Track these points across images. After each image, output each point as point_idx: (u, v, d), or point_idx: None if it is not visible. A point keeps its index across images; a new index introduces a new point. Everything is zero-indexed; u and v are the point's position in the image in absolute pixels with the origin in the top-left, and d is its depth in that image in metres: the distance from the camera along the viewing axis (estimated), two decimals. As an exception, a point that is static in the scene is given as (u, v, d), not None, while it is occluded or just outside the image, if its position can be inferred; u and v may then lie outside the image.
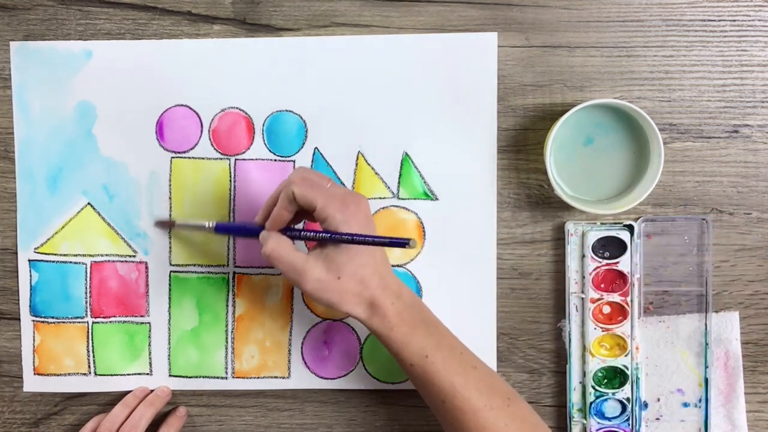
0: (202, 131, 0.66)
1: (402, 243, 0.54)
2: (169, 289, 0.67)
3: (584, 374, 0.65)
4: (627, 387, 0.64)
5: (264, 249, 0.57)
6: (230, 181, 0.66)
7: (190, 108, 0.66)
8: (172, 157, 0.66)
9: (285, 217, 0.57)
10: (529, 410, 0.57)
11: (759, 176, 0.65)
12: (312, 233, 0.57)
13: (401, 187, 0.66)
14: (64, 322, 0.67)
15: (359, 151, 0.66)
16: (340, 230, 0.55)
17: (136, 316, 0.67)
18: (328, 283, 0.56)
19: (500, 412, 0.55)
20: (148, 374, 0.67)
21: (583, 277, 0.64)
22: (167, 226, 0.66)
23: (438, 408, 0.57)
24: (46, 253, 0.67)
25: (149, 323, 0.67)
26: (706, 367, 0.65)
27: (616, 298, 0.64)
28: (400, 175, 0.66)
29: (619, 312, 0.64)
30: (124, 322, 0.67)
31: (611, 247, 0.64)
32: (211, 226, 0.63)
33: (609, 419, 0.65)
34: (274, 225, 0.57)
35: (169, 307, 0.67)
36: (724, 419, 0.66)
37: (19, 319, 0.67)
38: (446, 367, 0.56)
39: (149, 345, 0.67)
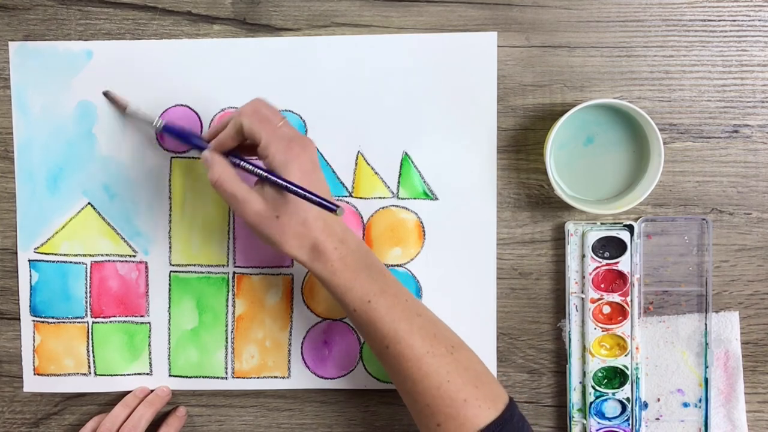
0: (202, 131, 0.66)
1: (330, 208, 0.54)
2: (169, 289, 0.67)
3: (584, 374, 0.65)
4: (627, 387, 0.64)
5: (210, 175, 0.57)
6: (230, 181, 0.66)
7: (190, 108, 0.66)
8: (172, 157, 0.66)
9: (229, 144, 0.58)
10: (473, 359, 0.58)
11: (759, 176, 0.65)
12: (251, 166, 0.57)
13: (401, 187, 0.66)
14: (64, 322, 0.67)
15: (359, 151, 0.66)
16: (279, 172, 0.55)
17: (136, 316, 0.67)
18: (268, 219, 0.56)
19: (443, 359, 0.55)
20: (148, 374, 0.67)
21: (583, 277, 0.64)
22: (118, 106, 0.65)
23: (382, 353, 0.57)
24: (46, 253, 0.67)
25: (149, 323, 0.67)
26: (706, 367, 0.65)
27: (616, 298, 0.64)
28: (400, 175, 0.66)
29: (619, 312, 0.64)
30: (124, 322, 0.67)
31: (611, 247, 0.64)
32: (159, 125, 0.63)
33: (609, 419, 0.65)
34: (218, 148, 0.58)
35: (169, 307, 0.67)
36: (724, 419, 0.66)
37: (19, 319, 0.67)
38: (390, 313, 0.56)
39: (149, 345, 0.67)
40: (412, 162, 0.66)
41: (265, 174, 0.56)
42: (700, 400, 0.65)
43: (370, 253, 0.59)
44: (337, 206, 0.54)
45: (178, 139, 0.63)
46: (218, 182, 0.56)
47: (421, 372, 0.55)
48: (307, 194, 0.54)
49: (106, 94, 0.65)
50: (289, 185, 0.55)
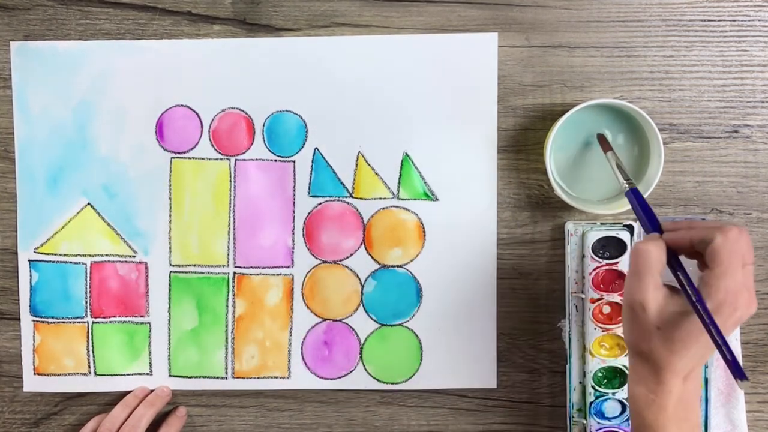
0: (202, 131, 0.66)
1: (740, 375, 0.47)
2: (169, 289, 0.67)
3: (584, 374, 0.65)
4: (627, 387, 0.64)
5: (641, 243, 0.51)
6: (230, 181, 0.66)
7: (190, 108, 0.66)
8: (172, 158, 0.66)
9: (682, 245, 0.51)
10: None
11: (759, 176, 0.66)
12: (681, 276, 0.50)
13: (401, 188, 0.66)
14: (64, 322, 0.67)
15: (359, 151, 0.66)
16: (708, 306, 0.48)
17: (136, 316, 0.67)
18: (645, 321, 0.50)
19: None
20: (148, 374, 0.67)
21: (583, 277, 0.64)
22: (606, 145, 0.62)
23: None
24: (46, 253, 0.67)
25: (149, 323, 0.67)
26: (706, 367, 0.65)
27: (616, 298, 0.64)
28: (400, 175, 0.66)
29: (619, 312, 0.64)
30: (124, 322, 0.67)
31: (611, 247, 0.64)
32: (625, 186, 0.57)
33: (609, 419, 0.65)
34: (669, 239, 0.52)
35: (169, 307, 0.67)
36: (724, 419, 0.66)
37: (19, 319, 0.67)
38: None
39: (149, 345, 0.67)
40: (412, 162, 0.66)
41: (695, 299, 0.48)
42: (700, 400, 0.65)
43: (697, 406, 0.53)
44: (744, 378, 0.47)
45: (637, 208, 0.56)
46: (644, 251, 0.50)
47: None
48: (725, 350, 0.47)
49: (599, 136, 0.63)
50: (712, 329, 0.48)
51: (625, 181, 0.58)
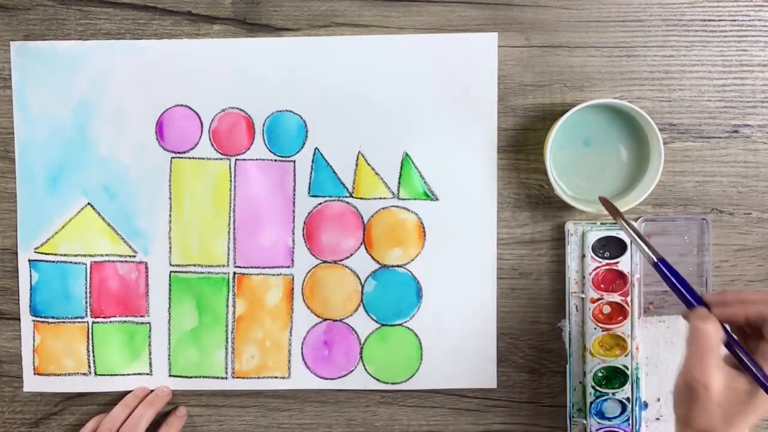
0: (202, 131, 0.66)
1: None
2: (169, 289, 0.67)
3: (584, 374, 0.65)
4: (627, 387, 0.64)
5: (697, 322, 0.51)
6: (230, 181, 0.66)
7: (190, 108, 0.66)
8: (172, 158, 0.66)
9: (735, 321, 0.51)
10: None
11: (759, 176, 0.66)
12: (743, 355, 0.50)
13: (401, 188, 0.66)
14: (64, 322, 0.67)
15: (359, 151, 0.66)
16: (767, 371, 0.49)
17: (136, 316, 0.67)
18: (703, 404, 0.50)
19: None
20: (148, 374, 0.67)
21: (583, 277, 0.64)
22: (612, 209, 0.59)
23: None
24: (46, 253, 0.67)
25: (149, 323, 0.67)
26: (706, 367, 0.65)
27: (616, 298, 0.64)
28: (400, 175, 0.66)
29: (619, 312, 0.64)
30: (124, 322, 0.67)
31: (611, 247, 0.64)
32: (653, 257, 0.54)
33: (609, 419, 0.65)
34: (719, 314, 0.51)
35: (169, 307, 0.67)
36: (724, 419, 0.65)
37: (19, 319, 0.67)
38: None
39: (149, 345, 0.67)
40: (412, 162, 0.66)
41: (763, 379, 0.49)
42: None
43: None
44: None
45: (666, 280, 0.54)
46: (703, 331, 0.50)
47: None
48: None
49: (602, 199, 0.60)
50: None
51: (649, 251, 0.54)
